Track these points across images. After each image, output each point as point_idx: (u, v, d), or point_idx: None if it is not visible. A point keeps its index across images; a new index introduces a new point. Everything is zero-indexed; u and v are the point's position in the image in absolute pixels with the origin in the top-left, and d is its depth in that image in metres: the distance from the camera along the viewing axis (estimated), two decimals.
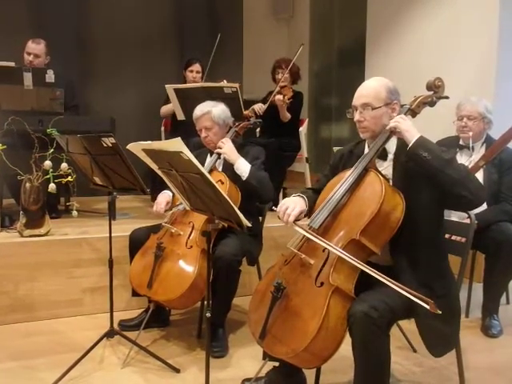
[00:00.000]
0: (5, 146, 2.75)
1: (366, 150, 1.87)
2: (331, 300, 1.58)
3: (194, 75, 3.96)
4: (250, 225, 1.56)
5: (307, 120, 4.27)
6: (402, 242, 1.68)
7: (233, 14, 5.35)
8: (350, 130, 5.08)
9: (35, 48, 3.48)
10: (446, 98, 1.82)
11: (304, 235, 1.70)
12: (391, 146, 1.80)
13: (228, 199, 1.50)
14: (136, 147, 1.72)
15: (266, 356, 1.81)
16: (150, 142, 1.65)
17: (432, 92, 1.80)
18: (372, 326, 1.51)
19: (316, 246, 1.74)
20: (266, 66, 4.15)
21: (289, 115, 3.82)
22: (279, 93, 3.79)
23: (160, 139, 4.24)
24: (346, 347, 1.59)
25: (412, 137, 1.66)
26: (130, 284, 2.53)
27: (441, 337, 1.68)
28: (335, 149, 3.04)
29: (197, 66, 3.98)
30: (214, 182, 1.49)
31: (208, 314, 1.71)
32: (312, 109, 5.71)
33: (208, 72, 3.95)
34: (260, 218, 2.71)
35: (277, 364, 1.92)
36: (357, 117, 1.81)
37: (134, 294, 2.53)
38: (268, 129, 3.81)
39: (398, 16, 4.32)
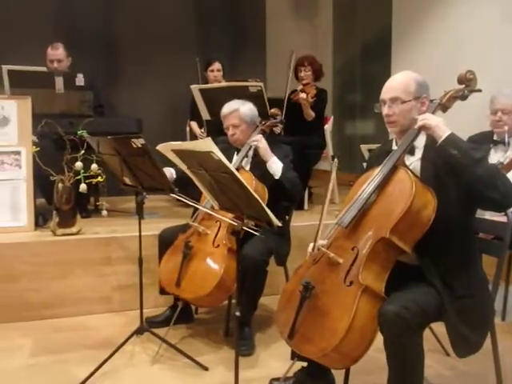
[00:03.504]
0: (38, 148, 2.84)
1: (394, 147, 1.85)
2: (361, 299, 1.57)
3: (215, 74, 3.99)
4: (280, 224, 1.56)
5: (332, 117, 4.24)
6: (426, 239, 1.65)
7: (255, 12, 5.36)
8: (376, 126, 5.01)
9: (55, 54, 3.56)
10: (479, 91, 1.77)
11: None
12: (420, 140, 1.77)
13: (258, 198, 1.51)
14: (165, 148, 1.74)
15: (295, 356, 1.81)
16: (179, 142, 1.67)
17: (463, 85, 1.75)
18: (404, 327, 1.49)
19: (345, 245, 1.73)
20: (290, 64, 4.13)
21: (313, 113, 3.80)
22: (302, 91, 3.77)
23: (185, 139, 4.29)
24: (377, 348, 1.58)
25: (442, 133, 1.63)
26: (157, 282, 2.57)
27: (463, 337, 1.65)
28: (363, 147, 3.03)
29: (217, 65, 4.00)
30: (244, 181, 1.50)
31: (237, 313, 1.72)
32: (336, 105, 5.66)
33: (231, 71, 3.97)
34: (287, 217, 2.72)
35: (305, 364, 1.92)
36: (385, 111, 1.78)
37: (162, 292, 2.57)
38: (292, 127, 3.80)
39: (425, 6, 4.18)
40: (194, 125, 4.15)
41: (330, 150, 4.06)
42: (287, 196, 2.51)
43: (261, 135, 2.56)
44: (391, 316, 1.50)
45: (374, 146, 2.62)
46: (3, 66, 3.08)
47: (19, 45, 4.16)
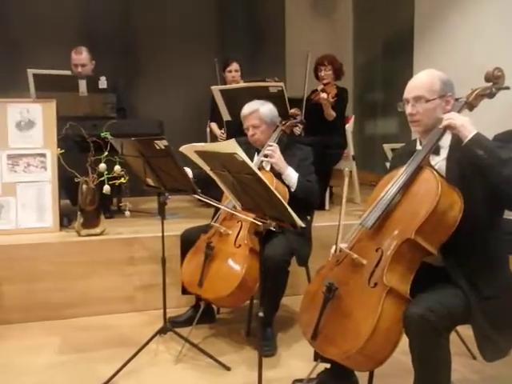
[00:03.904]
0: (63, 150, 2.89)
1: (419, 147, 1.83)
2: (385, 301, 1.56)
3: (233, 74, 3.99)
4: (303, 225, 1.56)
5: (353, 117, 4.21)
6: (451, 239, 1.62)
7: (274, 11, 5.35)
8: (398, 125, 4.95)
9: (79, 58, 3.61)
10: (507, 88, 1.73)
11: None
12: (445, 140, 1.75)
13: (281, 199, 1.51)
14: (189, 149, 1.76)
15: (318, 357, 1.80)
16: (203, 144, 1.68)
17: (491, 83, 1.71)
18: (429, 330, 1.48)
19: (369, 246, 1.72)
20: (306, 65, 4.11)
21: (334, 113, 3.78)
22: (323, 91, 3.75)
23: (205, 140, 4.31)
24: (402, 350, 1.57)
25: (468, 133, 1.60)
26: (179, 282, 2.60)
27: (490, 340, 1.61)
28: (385, 146, 3.00)
29: (234, 65, 4.00)
30: (268, 182, 1.50)
31: (261, 314, 1.73)
32: (357, 104, 5.61)
33: (250, 70, 3.98)
34: (308, 217, 2.71)
35: (328, 365, 1.91)
36: (409, 110, 1.76)
37: (184, 292, 2.59)
38: (313, 127, 3.78)
39: (447, 1, 4.09)
40: (213, 126, 4.17)
41: (350, 149, 4.03)
42: (303, 204, 2.51)
43: (276, 146, 2.53)
44: (416, 318, 1.49)
45: (397, 146, 2.60)
46: (28, 70, 3.14)
47: (44, 49, 4.25)
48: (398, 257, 1.62)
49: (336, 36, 5.68)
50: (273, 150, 2.50)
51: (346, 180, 1.83)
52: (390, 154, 2.89)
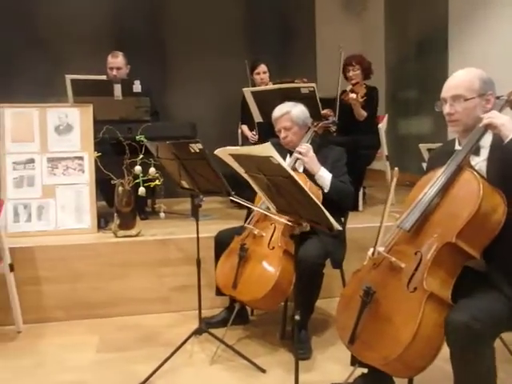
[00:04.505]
0: (100, 153, 2.96)
1: (457, 147, 1.78)
2: (426, 307, 1.52)
3: (262, 76, 3.99)
4: (340, 228, 1.54)
5: (387, 116, 4.14)
6: (494, 243, 1.57)
7: (305, 10, 5.32)
8: (433, 124, 4.82)
9: (115, 62, 3.70)
10: None
11: None
12: (485, 140, 1.69)
13: (318, 202, 1.50)
14: (223, 152, 1.77)
15: (356, 362, 1.78)
16: (237, 147, 1.69)
17: None
18: (473, 338, 1.42)
19: (407, 249, 1.68)
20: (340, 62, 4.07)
21: (364, 113, 3.73)
22: (352, 91, 3.70)
23: (237, 142, 4.33)
24: (444, 357, 1.52)
25: (509, 132, 1.54)
26: (213, 283, 2.61)
27: None
28: (422, 146, 2.93)
29: (262, 67, 4.00)
30: (303, 185, 1.49)
31: (297, 317, 1.72)
32: (389, 103, 5.51)
33: (281, 71, 3.96)
34: (342, 219, 2.68)
35: (366, 370, 1.88)
36: (447, 109, 1.72)
37: (218, 293, 2.61)
38: (344, 127, 3.74)
39: None
40: (244, 128, 4.19)
41: (384, 149, 3.97)
42: (336, 205, 2.48)
43: (308, 146, 2.52)
44: (460, 326, 1.44)
45: (433, 146, 2.53)
46: (66, 76, 3.23)
47: (81, 54, 4.36)
48: (439, 261, 1.58)
49: (367, 34, 5.60)
50: (306, 149, 2.49)
51: (394, 180, 1.79)
52: (426, 154, 2.82)
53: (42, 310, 2.78)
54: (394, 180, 1.78)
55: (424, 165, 2.63)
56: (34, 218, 3.09)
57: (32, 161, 3.13)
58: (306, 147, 2.50)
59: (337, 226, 1.54)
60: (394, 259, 1.68)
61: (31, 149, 3.15)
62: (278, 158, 1.45)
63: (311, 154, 2.48)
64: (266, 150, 1.47)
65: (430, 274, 1.58)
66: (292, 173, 1.48)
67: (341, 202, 2.47)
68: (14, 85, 4.29)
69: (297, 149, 2.51)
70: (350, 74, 3.79)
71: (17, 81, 4.36)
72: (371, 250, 1.83)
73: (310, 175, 2.47)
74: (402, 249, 1.71)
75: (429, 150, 2.76)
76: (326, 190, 2.44)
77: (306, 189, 1.48)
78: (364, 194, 3.89)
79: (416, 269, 1.62)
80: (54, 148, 3.17)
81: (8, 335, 2.62)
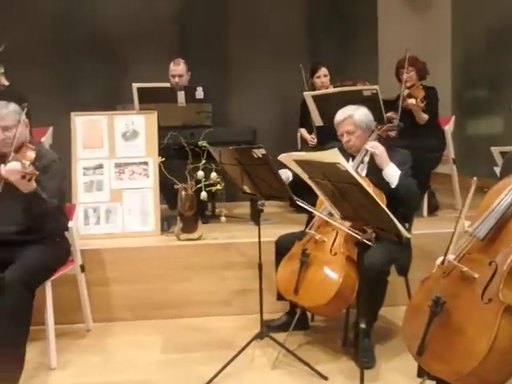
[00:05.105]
0: (163, 158, 3.06)
1: None
2: (502, 319, 1.45)
3: (323, 80, 3.92)
4: (409, 235, 1.50)
5: (453, 118, 3.96)
6: None
7: (366, 10, 5.21)
8: (505, 125, 4.55)
9: (177, 69, 3.78)
10: None
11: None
12: None
13: (386, 209, 1.46)
14: (288, 158, 1.77)
15: (424, 374, 1.71)
16: (302, 153, 1.68)
17: None
18: None
19: (480, 259, 1.60)
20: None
21: (426, 116, 3.58)
22: (410, 96, 3.56)
23: (295, 146, 4.31)
24: None
25: None
26: (274, 288, 2.62)
27: None
28: (494, 149, 2.78)
29: (323, 70, 3.94)
30: (371, 192, 1.46)
31: (363, 325, 1.68)
32: (456, 104, 5.25)
33: (341, 72, 3.90)
34: (407, 224, 2.60)
35: (434, 383, 1.81)
36: None
37: (279, 297, 2.61)
38: (405, 131, 3.62)
39: None
40: (303, 131, 4.16)
41: (450, 152, 3.80)
42: (403, 205, 2.40)
43: (377, 141, 2.48)
44: None
45: (507, 149, 2.40)
46: (133, 84, 3.36)
47: (146, 62, 4.53)
48: None
49: (433, 31, 5.38)
50: (375, 143, 2.45)
51: (472, 189, 1.71)
52: (498, 158, 2.67)
53: (109, 309, 2.90)
54: (472, 189, 1.70)
55: (496, 169, 2.49)
56: (102, 220, 3.24)
57: (101, 166, 3.29)
58: (373, 143, 2.46)
59: (406, 234, 1.50)
60: (466, 269, 1.61)
61: (100, 154, 3.31)
62: (345, 164, 1.43)
63: (381, 148, 2.44)
64: (333, 156, 1.45)
65: (506, 285, 1.50)
66: (361, 180, 1.46)
67: (407, 200, 2.39)
68: (83, 94, 4.54)
69: (366, 146, 2.47)
70: (405, 76, 3.64)
71: (86, 90, 4.60)
72: (440, 258, 1.76)
73: (377, 171, 2.40)
74: (474, 258, 1.63)
75: (502, 153, 2.61)
76: (393, 186, 2.37)
77: (375, 197, 1.45)
78: (433, 194, 3.74)
79: (490, 279, 1.54)
80: (121, 154, 3.31)
81: (79, 333, 2.76)
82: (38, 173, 2.15)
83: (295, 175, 2.51)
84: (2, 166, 2.20)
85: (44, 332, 2.39)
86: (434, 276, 1.77)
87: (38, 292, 2.28)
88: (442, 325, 1.59)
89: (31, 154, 2.28)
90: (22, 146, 2.33)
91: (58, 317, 2.45)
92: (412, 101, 3.48)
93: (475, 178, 1.71)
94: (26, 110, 2.40)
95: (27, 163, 2.13)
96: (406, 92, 3.61)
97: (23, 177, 2.10)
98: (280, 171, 2.51)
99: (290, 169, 2.09)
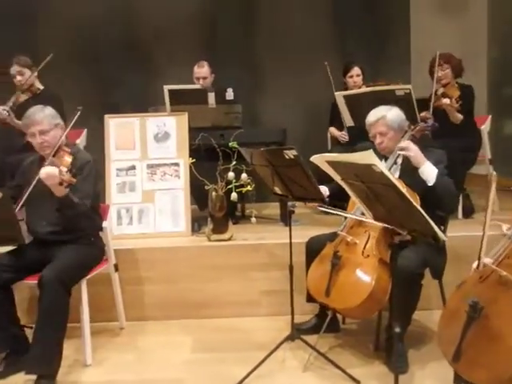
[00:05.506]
0: (194, 160, 3.09)
1: None
2: None
3: (355, 79, 3.87)
4: (445, 238, 1.46)
5: (490, 117, 3.84)
6: None
7: (398, 10, 5.11)
8: None
9: (201, 72, 3.82)
10: None
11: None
12: None
13: (422, 211, 1.43)
14: (320, 159, 1.76)
15: (461, 381, 1.67)
16: (335, 154, 1.67)
17: None
18: None
19: None
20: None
21: (460, 116, 3.47)
22: (444, 95, 3.45)
23: (325, 146, 4.28)
24: None
25: None
26: (303, 289, 2.60)
27: None
28: None
29: (356, 70, 3.88)
30: (407, 194, 1.43)
31: (397, 330, 1.66)
32: (493, 103, 5.08)
33: (372, 71, 3.83)
34: (442, 227, 2.54)
35: None
36: None
37: (309, 299, 2.59)
38: (439, 130, 3.52)
39: None
40: (332, 129, 4.11)
41: (487, 152, 3.69)
42: (440, 205, 2.34)
43: (408, 141, 2.43)
44: None
45: None
46: (165, 87, 3.41)
47: (176, 64, 4.58)
48: None
49: (468, 28, 5.23)
50: (406, 143, 2.40)
51: (493, 186, 1.66)
52: None
53: (142, 308, 2.95)
54: (493, 186, 1.65)
55: None
56: (134, 221, 3.30)
57: (133, 167, 3.35)
58: (404, 142, 2.41)
59: (442, 237, 1.47)
60: (505, 273, 1.56)
61: (133, 156, 3.36)
62: (380, 166, 1.41)
63: (414, 146, 2.38)
64: (368, 157, 1.44)
65: None
66: (396, 182, 1.43)
67: (445, 199, 2.33)
68: (116, 97, 4.62)
69: (398, 146, 2.42)
70: (439, 74, 3.53)
71: (119, 93, 4.68)
72: (477, 262, 1.72)
73: (411, 172, 2.37)
74: None
75: None
76: (430, 184, 2.31)
77: (412, 199, 1.42)
78: (467, 196, 3.64)
79: None
80: (152, 155, 3.36)
81: (113, 331, 2.82)
82: (75, 181, 2.19)
83: (332, 190, 2.50)
84: (42, 169, 2.25)
85: (79, 330, 2.45)
86: (471, 280, 1.73)
87: (74, 291, 2.35)
88: (481, 330, 1.55)
89: (68, 159, 2.33)
90: (60, 150, 2.38)
91: (92, 315, 2.51)
92: (446, 100, 3.37)
93: (494, 173, 1.65)
94: (78, 113, 2.45)
95: (65, 170, 2.18)
96: (441, 91, 3.51)
97: (60, 183, 2.15)
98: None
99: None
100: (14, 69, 3.47)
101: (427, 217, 1.45)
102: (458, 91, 3.45)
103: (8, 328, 2.33)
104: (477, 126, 3.71)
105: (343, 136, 3.89)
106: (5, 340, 2.33)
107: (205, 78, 3.82)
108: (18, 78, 3.47)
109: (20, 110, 3.04)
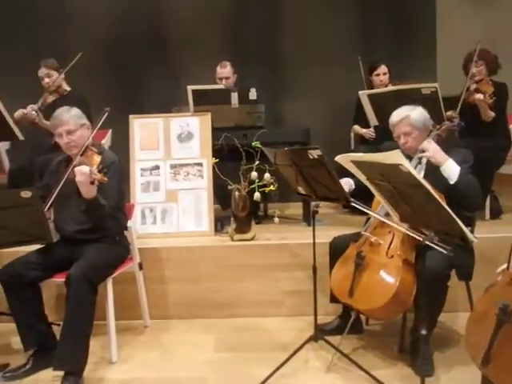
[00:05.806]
0: (217, 159, 3.10)
1: None
2: None
3: (381, 78, 3.83)
4: (475, 239, 1.43)
5: None
6: None
7: (424, 7, 5.02)
8: None
9: (224, 72, 3.84)
10: None
11: None
12: None
13: (451, 212, 1.40)
14: (345, 159, 1.74)
15: None
16: (360, 154, 1.65)
17: None
18: None
19: None
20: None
21: (492, 114, 3.40)
22: (477, 91, 3.39)
23: (348, 146, 4.24)
24: None
25: None
26: (326, 290, 2.59)
27: None
28: None
29: (382, 68, 3.83)
30: (435, 194, 1.41)
31: (423, 332, 1.63)
32: None
33: (398, 69, 3.78)
34: (469, 228, 2.48)
35: None
36: None
37: (333, 300, 2.57)
38: (468, 129, 3.45)
39: None
40: (356, 126, 4.06)
41: None
42: (464, 204, 2.29)
43: (426, 141, 2.38)
44: None
45: None
46: (188, 87, 3.43)
47: (199, 65, 4.60)
48: None
49: (497, 22, 5.08)
50: (425, 144, 2.35)
51: None
52: None
53: (166, 307, 2.98)
54: None
55: None
56: (158, 220, 3.34)
57: (157, 167, 3.39)
58: (423, 144, 2.37)
59: (472, 238, 1.43)
60: None
61: (156, 156, 3.40)
62: (408, 166, 1.39)
63: (433, 146, 2.34)
64: (395, 157, 1.42)
65: None
66: (424, 182, 1.41)
67: (468, 198, 2.28)
68: (140, 97, 4.68)
69: (418, 154, 2.39)
70: (474, 70, 3.47)
71: (143, 93, 4.74)
72: (504, 265, 1.68)
73: (435, 172, 2.32)
74: None
75: None
76: (452, 182, 2.27)
77: (440, 200, 1.40)
78: (495, 198, 3.56)
79: None
80: (176, 155, 3.39)
81: (138, 329, 2.86)
82: (106, 180, 2.21)
83: (357, 183, 2.47)
84: (76, 168, 2.28)
85: (105, 327, 2.49)
86: (500, 283, 1.69)
87: (100, 289, 2.38)
88: (511, 334, 1.51)
89: (97, 159, 2.36)
90: (87, 150, 2.42)
91: (118, 313, 2.54)
92: (480, 96, 3.30)
93: None
94: (106, 114, 2.49)
95: (95, 169, 2.20)
96: (474, 86, 3.44)
97: (92, 182, 2.18)
98: (342, 180, 2.48)
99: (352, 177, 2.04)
100: (42, 71, 3.56)
101: (455, 217, 1.42)
102: (492, 88, 3.38)
103: (36, 325, 2.38)
104: (508, 124, 3.62)
105: (370, 133, 3.84)
106: (33, 337, 2.37)
107: (227, 78, 3.84)
108: (46, 80, 3.55)
109: (48, 111, 3.11)
